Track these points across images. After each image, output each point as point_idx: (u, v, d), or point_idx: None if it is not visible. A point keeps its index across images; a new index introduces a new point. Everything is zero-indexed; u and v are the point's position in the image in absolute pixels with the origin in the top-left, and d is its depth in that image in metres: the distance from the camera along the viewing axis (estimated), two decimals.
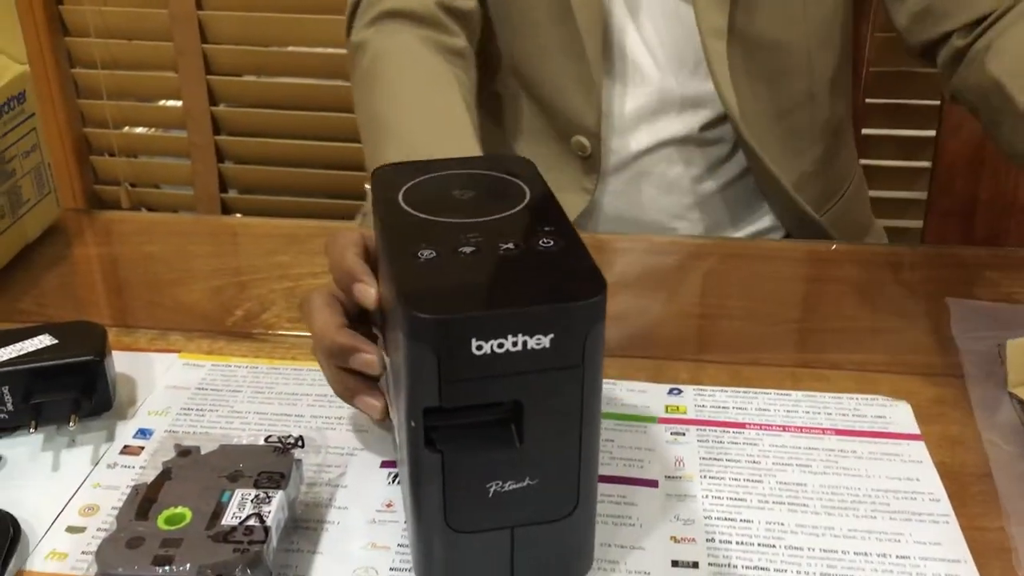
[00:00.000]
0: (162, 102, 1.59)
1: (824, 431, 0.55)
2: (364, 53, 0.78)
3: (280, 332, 0.65)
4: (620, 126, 0.82)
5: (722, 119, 0.81)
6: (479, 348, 0.37)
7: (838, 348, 0.63)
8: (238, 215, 1.61)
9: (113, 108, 1.53)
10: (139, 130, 1.62)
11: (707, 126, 0.82)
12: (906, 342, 0.64)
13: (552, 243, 0.41)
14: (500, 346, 0.37)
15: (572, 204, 0.85)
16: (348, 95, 1.57)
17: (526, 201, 0.45)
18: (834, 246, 0.76)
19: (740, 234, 0.87)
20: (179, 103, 1.52)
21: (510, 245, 0.41)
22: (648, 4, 0.78)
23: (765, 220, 0.87)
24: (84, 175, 1.59)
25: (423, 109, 0.72)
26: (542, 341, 0.38)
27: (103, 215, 0.85)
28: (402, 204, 0.45)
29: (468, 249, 0.41)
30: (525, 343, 0.37)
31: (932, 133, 1.24)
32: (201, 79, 1.48)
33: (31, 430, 0.53)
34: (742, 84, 0.78)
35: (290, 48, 1.50)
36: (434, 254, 0.40)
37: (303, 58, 1.50)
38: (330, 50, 1.47)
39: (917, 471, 0.52)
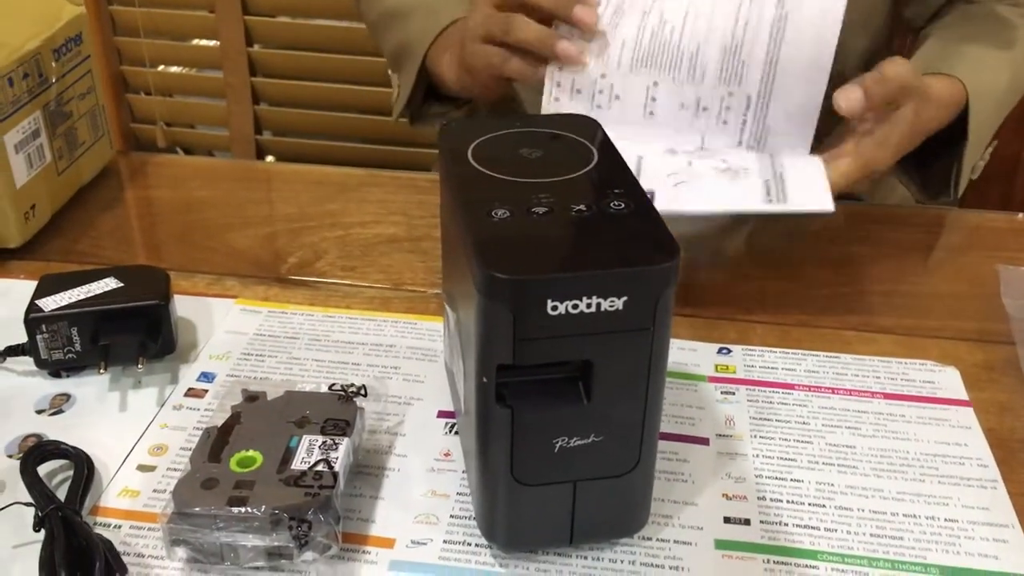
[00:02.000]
0: (198, 41, 1.58)
1: (873, 395, 0.56)
2: None
3: (334, 281, 0.66)
4: None
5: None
6: (554, 309, 0.38)
7: (887, 312, 0.63)
8: (270, 158, 1.62)
9: (150, 47, 1.53)
10: (175, 69, 1.62)
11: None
12: (955, 307, 0.64)
13: (623, 205, 0.42)
14: (575, 307, 0.38)
15: None
16: None
17: (594, 162, 0.46)
18: (881, 208, 0.76)
19: None
20: (215, 43, 1.51)
21: (582, 207, 0.42)
22: None
23: None
24: (121, 113, 1.59)
25: None
26: (615, 304, 0.38)
27: (152, 158, 0.86)
28: (472, 161, 0.46)
29: (541, 210, 0.41)
30: (599, 305, 0.38)
31: None
32: (238, 19, 1.48)
33: (100, 371, 0.54)
34: None
35: None
36: (508, 214, 0.41)
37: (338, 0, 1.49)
38: None
39: (965, 436, 0.52)
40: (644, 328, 0.40)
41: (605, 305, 0.38)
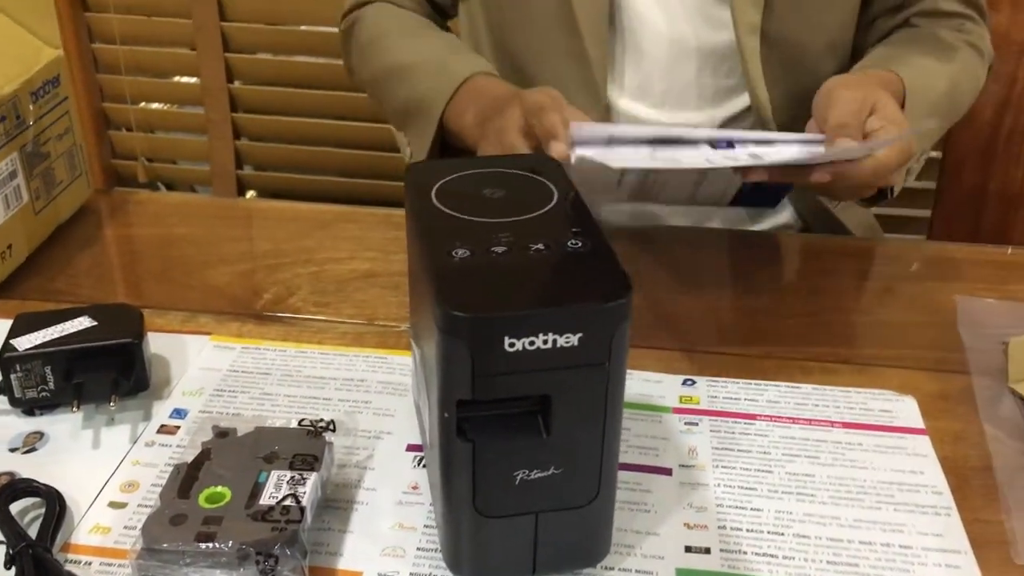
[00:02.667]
0: (179, 78, 1.60)
1: (832, 424, 0.57)
2: (361, 26, 0.87)
3: (307, 316, 0.67)
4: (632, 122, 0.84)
5: (742, 114, 0.83)
6: (511, 345, 0.39)
7: (848, 342, 0.65)
8: (251, 193, 1.63)
9: (131, 84, 1.55)
10: (156, 106, 1.63)
11: (728, 121, 0.83)
12: (914, 338, 0.66)
13: (580, 244, 0.43)
14: (531, 343, 0.39)
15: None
16: None
17: (554, 201, 0.47)
18: (846, 241, 0.78)
19: (759, 228, 0.89)
20: (196, 80, 1.53)
21: (540, 245, 0.43)
22: (674, 3, 0.80)
23: (784, 215, 0.89)
24: (102, 149, 1.60)
25: (435, 44, 0.83)
26: (571, 339, 0.40)
27: (132, 196, 0.87)
28: (435, 202, 0.47)
29: (500, 248, 0.43)
30: (555, 341, 0.39)
31: None
32: (219, 56, 1.49)
33: (73, 409, 0.55)
34: (769, 80, 0.80)
35: (304, 27, 1.52)
36: (468, 253, 0.42)
37: (319, 37, 1.51)
38: None
39: (921, 464, 0.54)
40: (600, 363, 0.41)
41: (561, 341, 0.40)
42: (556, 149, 0.58)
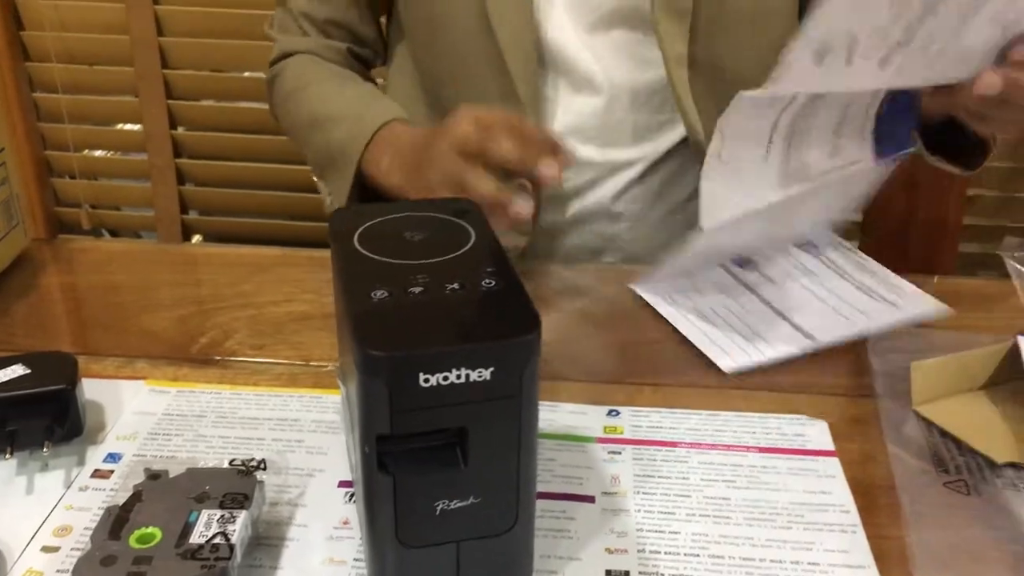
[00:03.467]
0: (122, 126, 1.61)
1: (749, 449, 0.60)
2: (283, 77, 0.92)
3: (243, 359, 0.69)
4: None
5: (678, 146, 0.86)
6: (426, 381, 0.41)
7: (767, 371, 0.68)
8: (197, 238, 1.64)
9: (74, 132, 1.55)
10: (99, 153, 1.64)
11: (666, 154, 0.86)
12: (829, 365, 0.69)
13: (493, 283, 0.46)
14: (445, 379, 0.41)
15: (512, 240, 0.89)
16: None
17: (471, 243, 0.49)
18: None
19: None
20: (139, 127, 1.54)
21: (455, 285, 0.45)
22: (601, 38, 0.83)
23: None
24: (45, 198, 1.60)
25: (352, 93, 0.87)
26: (483, 374, 0.42)
27: (70, 244, 0.88)
28: (357, 246, 0.49)
29: (417, 289, 0.45)
30: (468, 376, 0.42)
31: None
32: (162, 103, 1.51)
33: (6, 456, 0.56)
34: (703, 110, 0.83)
35: (247, 73, 1.54)
36: (386, 294, 0.45)
37: (261, 83, 1.53)
38: None
39: (830, 485, 0.57)
40: (512, 396, 0.43)
41: (474, 376, 0.42)
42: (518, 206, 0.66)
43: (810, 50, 0.59)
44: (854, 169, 0.73)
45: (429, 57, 0.89)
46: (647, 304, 0.75)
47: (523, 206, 0.67)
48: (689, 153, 0.86)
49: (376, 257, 0.48)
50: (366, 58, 0.96)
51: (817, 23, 0.57)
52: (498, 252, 0.49)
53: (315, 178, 0.92)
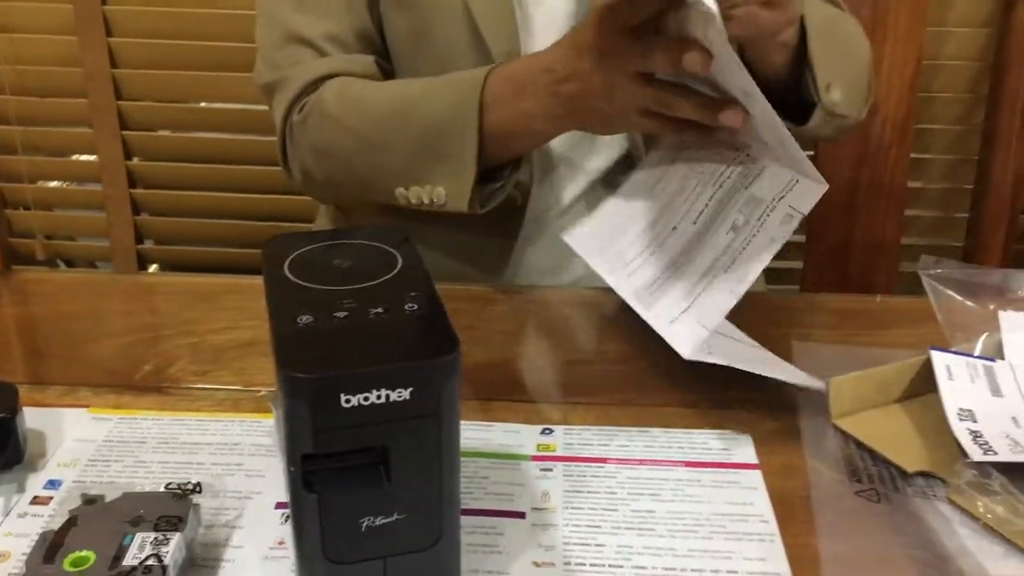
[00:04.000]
0: (76, 156, 1.61)
1: (675, 463, 0.62)
2: (324, 101, 0.80)
3: (185, 386, 0.70)
4: (546, 167, 0.86)
5: (619, 163, 0.87)
6: (347, 401, 0.43)
7: (698, 387, 0.70)
8: (153, 267, 1.64)
9: (28, 163, 1.55)
10: (54, 184, 1.64)
11: (608, 170, 0.88)
12: (757, 380, 0.71)
13: (416, 307, 0.48)
14: (366, 399, 0.43)
15: (499, 253, 0.86)
16: (260, 148, 1.61)
17: (397, 269, 0.51)
18: None
19: None
20: (94, 157, 1.54)
21: (379, 310, 0.47)
22: None
23: None
24: None
25: (419, 80, 0.79)
26: (403, 394, 0.44)
27: (18, 274, 0.89)
28: (287, 273, 0.51)
29: (342, 314, 0.47)
30: (388, 396, 0.43)
31: None
32: (116, 134, 1.51)
33: None
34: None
35: (203, 104, 1.55)
36: (312, 319, 0.46)
37: (216, 113, 1.55)
38: (241, 106, 1.52)
39: (752, 496, 0.59)
40: (432, 415, 0.45)
41: (394, 396, 0.44)
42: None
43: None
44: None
45: (411, 71, 0.87)
46: (588, 324, 0.77)
47: (734, 113, 0.66)
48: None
49: (304, 283, 0.50)
50: (390, 72, 0.86)
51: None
52: (423, 277, 0.51)
53: (401, 191, 0.77)
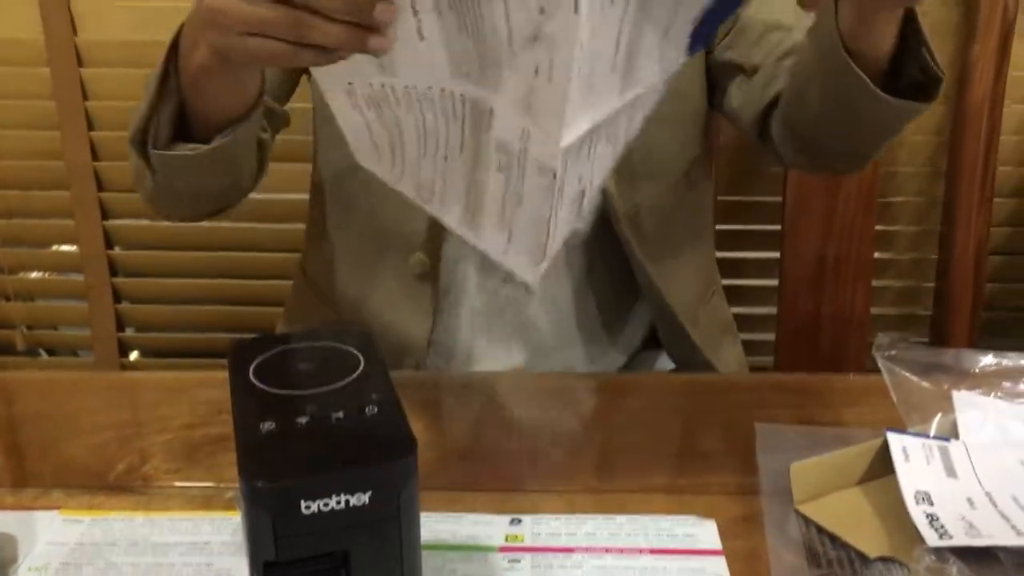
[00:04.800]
0: (57, 247, 1.63)
1: (641, 551, 0.63)
2: None
3: (158, 484, 0.71)
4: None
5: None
6: (308, 508, 0.44)
7: (664, 473, 0.71)
8: (134, 354, 1.65)
9: (9, 255, 1.57)
10: (35, 275, 1.66)
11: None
12: (720, 465, 0.73)
13: (376, 409, 0.49)
14: (326, 505, 0.44)
15: (418, 328, 0.89)
16: (243, 235, 1.63)
17: (359, 371, 0.53)
18: (669, 378, 0.86)
19: (616, 350, 0.96)
20: (75, 248, 1.57)
21: (340, 414, 0.49)
22: None
23: (661, 360, 0.96)
24: None
25: None
26: (362, 498, 0.45)
27: None
28: (252, 379, 0.52)
29: (304, 420, 0.48)
30: (348, 501, 0.45)
31: (776, 255, 1.37)
32: (97, 224, 1.54)
33: None
34: (615, 182, 0.85)
35: None
36: (274, 425, 0.48)
37: None
38: None
39: None
40: (392, 517, 0.46)
41: (353, 500, 0.45)
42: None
43: None
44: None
45: (344, 201, 0.91)
46: (555, 410, 0.79)
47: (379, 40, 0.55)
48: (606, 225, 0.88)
49: (268, 389, 0.51)
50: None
51: None
52: (383, 378, 0.52)
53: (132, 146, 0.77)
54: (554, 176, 0.57)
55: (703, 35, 0.59)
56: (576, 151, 0.57)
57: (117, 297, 1.60)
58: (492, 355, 0.93)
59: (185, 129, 0.76)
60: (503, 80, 0.56)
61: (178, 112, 0.74)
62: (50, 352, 1.71)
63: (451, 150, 0.63)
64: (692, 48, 0.59)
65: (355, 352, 0.55)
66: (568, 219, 0.63)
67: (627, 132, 0.64)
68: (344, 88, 0.61)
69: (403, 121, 0.62)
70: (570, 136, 0.55)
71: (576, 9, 0.49)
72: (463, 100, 0.59)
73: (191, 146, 0.74)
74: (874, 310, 1.45)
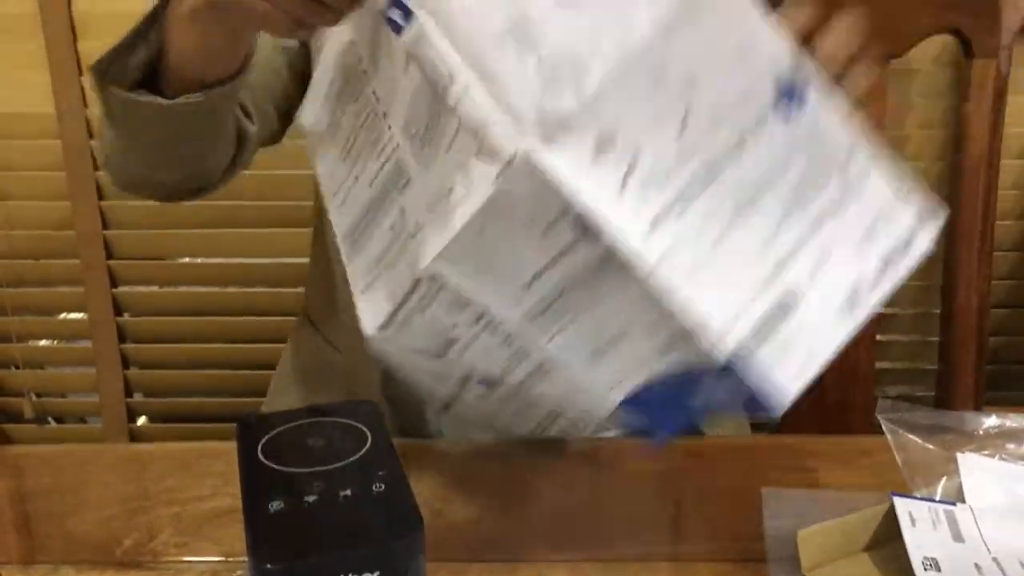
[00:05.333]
0: (65, 315, 1.65)
1: None
2: None
3: (167, 559, 0.71)
4: None
5: None
6: None
7: (670, 539, 0.71)
8: (142, 419, 1.65)
9: (17, 323, 1.59)
10: (43, 342, 1.67)
11: None
12: (727, 530, 0.73)
13: (383, 487, 0.50)
14: None
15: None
16: (250, 301, 1.64)
17: (366, 447, 0.54)
18: (669, 441, 0.86)
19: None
20: (84, 315, 1.58)
21: (348, 492, 0.49)
22: None
23: None
24: None
25: None
26: None
27: (5, 452, 0.90)
28: (260, 456, 0.53)
29: (312, 498, 0.49)
30: None
31: None
32: (106, 292, 1.55)
33: None
34: None
35: (186, 259, 1.60)
36: (282, 505, 0.48)
37: (205, 268, 1.60)
38: (232, 260, 1.57)
39: None
40: None
41: None
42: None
43: None
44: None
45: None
46: (559, 477, 0.79)
47: None
48: None
49: (276, 467, 0.52)
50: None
51: None
52: (390, 454, 0.53)
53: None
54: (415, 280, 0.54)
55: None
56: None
57: (125, 363, 1.61)
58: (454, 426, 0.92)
59: (154, 85, 0.72)
60: (430, 170, 0.55)
61: (152, 59, 0.70)
62: (58, 420, 1.72)
63: (366, 174, 0.62)
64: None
65: (362, 427, 0.56)
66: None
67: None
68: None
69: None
70: (438, 267, 0.53)
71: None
72: (396, 147, 0.59)
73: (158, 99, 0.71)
74: (879, 364, 1.45)
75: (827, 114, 0.52)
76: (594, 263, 0.48)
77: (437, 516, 0.73)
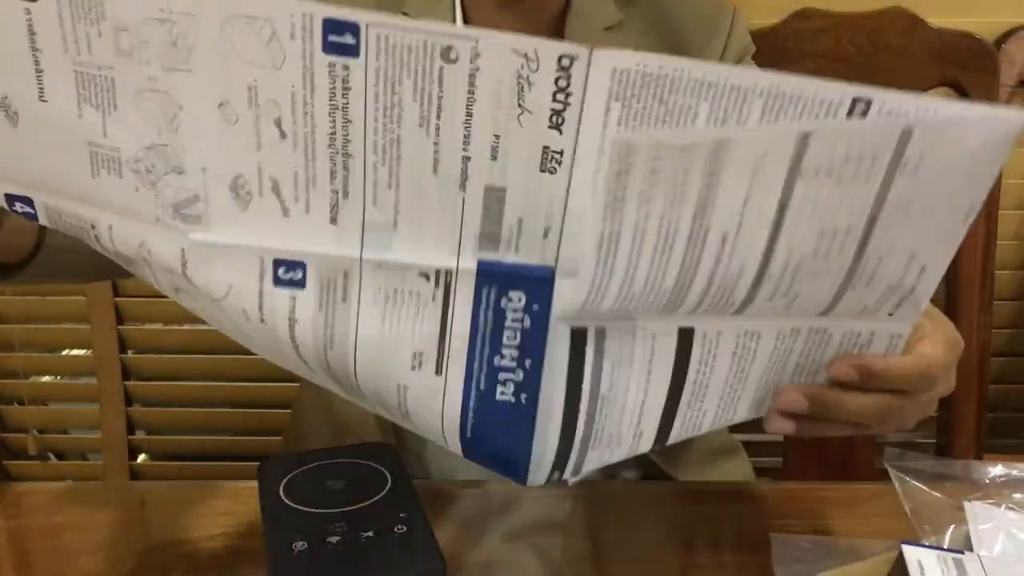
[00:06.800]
0: (70, 351, 1.66)
1: None
2: None
3: None
4: None
5: None
6: None
7: None
8: (143, 456, 1.65)
9: (24, 359, 1.59)
10: (47, 378, 1.67)
11: None
12: (730, 573, 0.73)
13: (405, 528, 0.50)
14: None
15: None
16: None
17: (387, 489, 0.54)
18: (676, 485, 0.87)
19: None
20: (88, 352, 1.59)
21: (370, 533, 0.50)
22: None
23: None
24: None
25: None
26: None
27: (11, 489, 0.90)
28: (283, 496, 0.54)
29: (335, 539, 0.50)
30: None
31: None
32: (112, 328, 1.56)
33: None
34: None
35: None
36: (306, 545, 0.49)
37: None
38: None
39: None
40: None
41: None
42: None
43: None
44: None
45: None
46: (568, 522, 0.79)
47: None
48: None
49: (299, 507, 0.53)
50: None
51: None
52: (411, 495, 0.54)
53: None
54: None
55: None
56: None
57: (128, 400, 1.61)
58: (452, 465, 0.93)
59: None
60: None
61: None
62: (59, 456, 1.72)
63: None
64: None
65: (381, 469, 0.57)
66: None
67: None
68: None
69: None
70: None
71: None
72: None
73: None
74: None
75: None
76: None
77: (453, 558, 0.73)
